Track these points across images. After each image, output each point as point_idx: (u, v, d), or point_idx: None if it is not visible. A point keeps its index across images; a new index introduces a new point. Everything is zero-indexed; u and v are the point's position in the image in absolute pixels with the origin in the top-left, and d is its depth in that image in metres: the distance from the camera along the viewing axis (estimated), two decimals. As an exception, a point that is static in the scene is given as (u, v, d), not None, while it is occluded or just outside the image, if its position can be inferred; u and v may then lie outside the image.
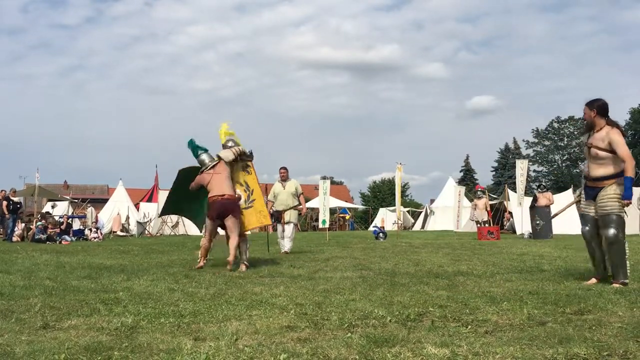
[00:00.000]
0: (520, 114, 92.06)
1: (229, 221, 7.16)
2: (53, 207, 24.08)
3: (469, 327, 3.39)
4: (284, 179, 10.58)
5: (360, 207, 52.49)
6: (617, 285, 5.02)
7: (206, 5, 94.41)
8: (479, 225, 17.64)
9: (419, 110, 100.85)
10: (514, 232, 21.06)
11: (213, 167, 7.39)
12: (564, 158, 61.43)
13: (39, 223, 17.21)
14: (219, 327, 3.42)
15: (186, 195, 7.86)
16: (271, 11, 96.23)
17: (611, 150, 5.13)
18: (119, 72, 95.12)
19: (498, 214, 24.37)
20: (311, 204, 27.28)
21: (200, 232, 8.84)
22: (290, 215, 10.42)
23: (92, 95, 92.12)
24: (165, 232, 24.39)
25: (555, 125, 62.42)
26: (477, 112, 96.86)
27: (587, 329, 3.26)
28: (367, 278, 5.97)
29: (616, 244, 5.10)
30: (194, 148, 7.64)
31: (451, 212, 25.17)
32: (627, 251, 5.16)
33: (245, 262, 7.21)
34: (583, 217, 5.46)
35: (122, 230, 23.66)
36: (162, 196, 18.14)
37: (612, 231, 5.10)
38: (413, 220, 37.79)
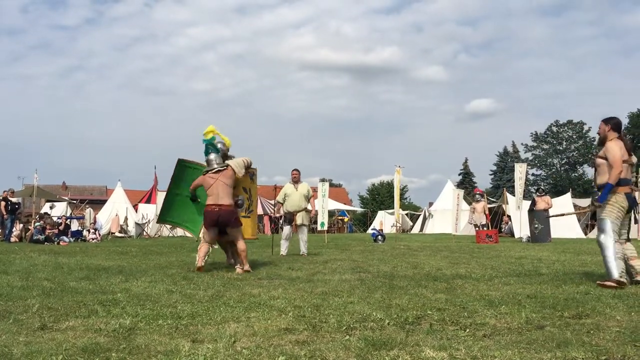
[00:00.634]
0: (520, 118, 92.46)
1: (230, 232, 7.09)
2: (51, 207, 24.01)
3: (467, 330, 3.39)
4: (296, 180, 10.52)
5: (359, 209, 52.46)
6: (602, 283, 5.23)
7: (206, 7, 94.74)
8: (477, 228, 17.66)
9: (418, 112, 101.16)
10: (512, 235, 21.08)
11: (219, 171, 7.19)
12: (563, 162, 61.57)
13: (37, 224, 17.16)
14: (217, 329, 3.42)
15: (184, 203, 7.66)
16: (271, 13, 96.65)
17: (606, 157, 5.37)
18: (119, 73, 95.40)
19: (496, 217, 24.40)
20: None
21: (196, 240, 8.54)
22: (303, 218, 10.40)
23: (92, 96, 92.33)
24: (163, 233, 24.37)
25: (554, 129, 62.59)
26: (476, 115, 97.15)
27: (585, 333, 3.26)
28: (365, 281, 5.97)
29: (601, 247, 5.40)
30: (209, 143, 7.41)
31: (450, 215, 25.08)
32: (616, 254, 5.28)
33: (241, 266, 7.08)
34: None
35: (120, 232, 23.63)
36: (161, 198, 18.10)
37: (599, 235, 5.47)
38: (411, 223, 37.77)
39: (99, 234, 19.02)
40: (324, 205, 19.44)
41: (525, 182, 21.07)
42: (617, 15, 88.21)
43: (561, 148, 61.59)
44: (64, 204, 25.71)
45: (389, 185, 55.11)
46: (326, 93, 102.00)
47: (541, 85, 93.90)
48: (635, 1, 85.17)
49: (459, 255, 10.08)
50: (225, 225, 7.06)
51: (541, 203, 16.69)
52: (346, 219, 40.17)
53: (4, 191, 17.92)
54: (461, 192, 20.56)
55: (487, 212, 18.68)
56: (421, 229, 33.44)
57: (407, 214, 40.37)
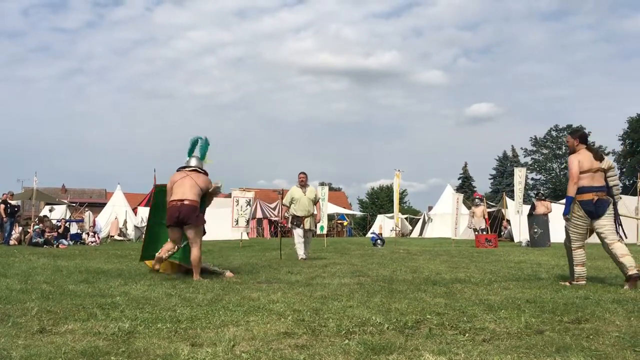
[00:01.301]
0: (519, 122, 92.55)
1: (188, 231, 6.50)
2: (51, 210, 24.06)
3: (467, 335, 3.39)
4: (304, 184, 10.48)
5: (359, 213, 52.49)
6: (565, 283, 5.90)
7: (206, 11, 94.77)
8: (476, 232, 17.65)
9: (418, 117, 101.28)
10: (512, 240, 21.08)
11: (194, 171, 6.82)
12: (562, 166, 61.54)
13: (36, 227, 17.17)
14: (216, 333, 3.41)
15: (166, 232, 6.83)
16: (271, 17, 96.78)
17: None
18: (119, 76, 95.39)
19: (496, 221, 24.38)
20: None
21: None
22: (310, 223, 10.38)
23: (92, 99, 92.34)
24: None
25: (554, 133, 62.66)
26: (476, 119, 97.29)
27: (584, 338, 3.26)
28: (364, 285, 5.96)
29: (567, 250, 6.08)
30: (199, 148, 7.11)
31: (449, 219, 25.11)
32: (579, 257, 5.90)
33: (224, 271, 6.82)
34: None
35: (119, 235, 23.63)
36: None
37: (564, 241, 6.14)
38: (411, 227, 37.81)
39: (98, 237, 19.02)
40: (324, 209, 19.48)
41: (524, 187, 21.08)
42: (617, 20, 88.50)
43: (560, 152, 61.58)
44: (64, 207, 25.73)
45: (389, 189, 55.15)
46: (326, 97, 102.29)
47: (541, 90, 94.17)
48: (635, 6, 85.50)
49: (459, 260, 10.08)
50: (185, 222, 6.46)
51: (540, 207, 16.69)
52: (345, 223, 40.16)
53: (4, 194, 17.91)
54: (461, 196, 20.55)
55: (486, 217, 18.68)
56: (420, 233, 33.48)
57: (406, 218, 40.40)
